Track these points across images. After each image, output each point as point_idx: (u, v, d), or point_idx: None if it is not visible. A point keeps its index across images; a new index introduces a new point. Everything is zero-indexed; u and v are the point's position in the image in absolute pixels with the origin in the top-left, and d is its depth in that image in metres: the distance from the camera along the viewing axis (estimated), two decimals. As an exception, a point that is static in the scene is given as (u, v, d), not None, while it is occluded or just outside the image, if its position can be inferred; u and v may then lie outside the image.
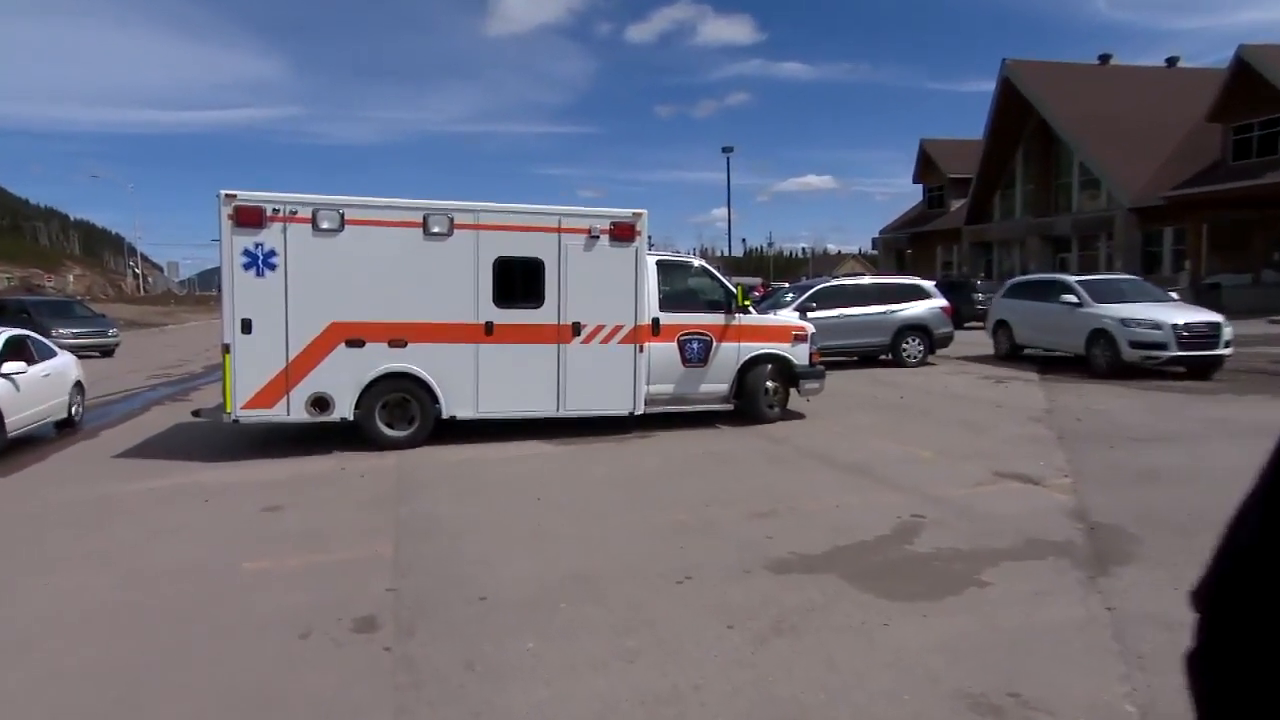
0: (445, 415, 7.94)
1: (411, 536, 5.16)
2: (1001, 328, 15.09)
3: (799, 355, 9.28)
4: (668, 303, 8.90)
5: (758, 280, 35.39)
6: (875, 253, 51.54)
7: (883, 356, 14.98)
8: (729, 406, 9.14)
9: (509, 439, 8.22)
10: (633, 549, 4.81)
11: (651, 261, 8.78)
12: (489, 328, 7.93)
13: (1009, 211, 36.81)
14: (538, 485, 6.44)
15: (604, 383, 8.29)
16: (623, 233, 8.24)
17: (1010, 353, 14.79)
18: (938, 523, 5.24)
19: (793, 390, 9.39)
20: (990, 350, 16.18)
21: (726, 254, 49.45)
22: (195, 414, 8.41)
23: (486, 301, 7.91)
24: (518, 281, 8.03)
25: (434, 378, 7.83)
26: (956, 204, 40.71)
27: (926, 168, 43.17)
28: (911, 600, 3.97)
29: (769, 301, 15.81)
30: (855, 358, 15.09)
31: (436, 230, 7.75)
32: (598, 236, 8.17)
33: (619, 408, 8.40)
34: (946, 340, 15.21)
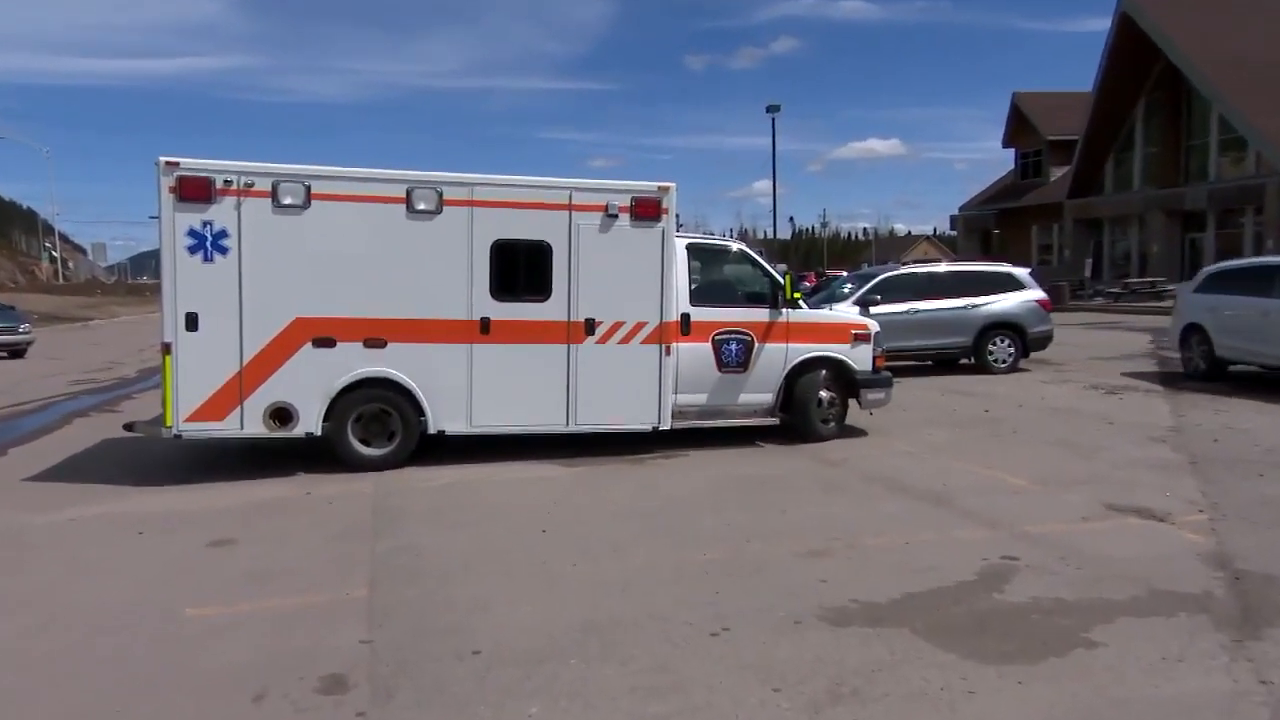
0: (432, 430, 8.04)
1: (391, 576, 5.22)
2: (1195, 335, 12.92)
3: (860, 359, 9.33)
4: (700, 295, 9.00)
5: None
6: (954, 234, 51.26)
7: (964, 361, 14.98)
8: (774, 421, 9.24)
9: (509, 459, 8.32)
10: (658, 593, 4.85)
11: (681, 245, 8.88)
12: (485, 325, 8.03)
13: (1125, 181, 36.43)
14: (543, 514, 6.52)
15: (623, 391, 8.38)
16: (646, 210, 8.33)
17: (1210, 372, 12.64)
18: (1034, 566, 5.22)
19: (852, 401, 9.46)
20: (1100, 354, 15.96)
21: (771, 236, 49.53)
22: (128, 428, 8.54)
23: (482, 293, 8.01)
24: (520, 269, 8.14)
25: (419, 385, 7.93)
26: (1058, 173, 40.35)
27: (1020, 128, 42.86)
28: (1003, 662, 3.95)
29: (823, 294, 15.87)
30: (929, 362, 15.09)
31: (422, 207, 7.84)
32: (616, 215, 8.25)
33: (641, 422, 8.51)
34: (1044, 341, 15.10)
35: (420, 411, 7.99)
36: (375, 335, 7.82)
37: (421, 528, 6.25)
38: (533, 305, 8.17)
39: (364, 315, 7.79)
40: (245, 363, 7.57)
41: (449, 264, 7.94)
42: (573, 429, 8.37)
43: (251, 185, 7.50)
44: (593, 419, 8.38)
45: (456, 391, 8.03)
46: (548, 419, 8.30)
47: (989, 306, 14.71)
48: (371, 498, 7.10)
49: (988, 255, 39.22)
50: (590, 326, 8.28)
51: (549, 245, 8.17)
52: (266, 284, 7.55)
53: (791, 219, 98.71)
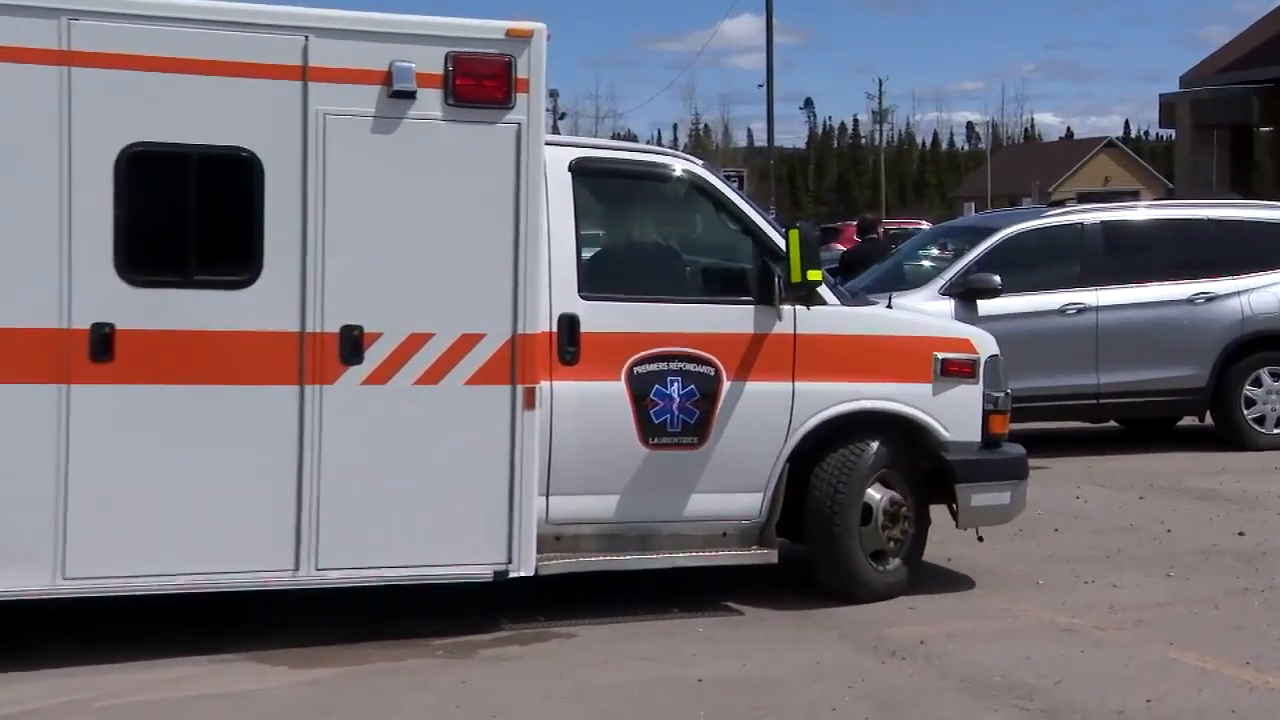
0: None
1: None
2: None
3: (953, 415, 9.55)
4: (603, 275, 9.25)
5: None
6: (1166, 135, 52.22)
7: (1187, 419, 15.39)
8: (767, 555, 9.23)
9: (163, 652, 8.11)
10: None
11: (561, 164, 9.02)
12: (102, 341, 7.83)
13: None
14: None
15: (426, 492, 8.35)
16: (479, 85, 8.44)
17: None
18: None
19: (939, 509, 9.69)
20: None
21: (763, 143, 50.19)
22: None
23: (95, 268, 7.87)
24: (187, 214, 8.22)
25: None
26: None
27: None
28: None
29: (877, 270, 16.15)
30: (1110, 420, 15.56)
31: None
32: (411, 94, 8.24)
33: (468, 561, 8.48)
34: None
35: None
36: None
37: None
38: (217, 296, 8.06)
39: None
40: None
41: (13, 200, 7.68)
42: (311, 580, 8.22)
43: None
44: (355, 559, 8.30)
45: (31, 498, 7.73)
46: (252, 560, 8.15)
47: (1245, 299, 14.95)
48: None
49: (1241, 184, 39.59)
50: (352, 345, 8.17)
51: (256, 160, 8.08)
52: None
53: (808, 103, 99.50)
